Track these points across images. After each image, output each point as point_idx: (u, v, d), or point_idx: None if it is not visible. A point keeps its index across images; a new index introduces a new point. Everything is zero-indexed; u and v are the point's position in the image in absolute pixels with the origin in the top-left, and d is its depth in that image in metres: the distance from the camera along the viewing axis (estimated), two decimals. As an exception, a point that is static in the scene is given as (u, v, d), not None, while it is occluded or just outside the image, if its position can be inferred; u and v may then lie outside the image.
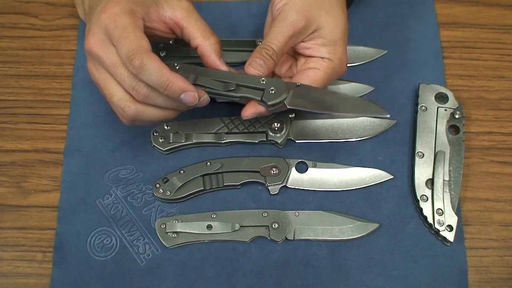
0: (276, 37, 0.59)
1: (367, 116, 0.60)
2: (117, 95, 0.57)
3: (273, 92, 0.59)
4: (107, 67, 0.56)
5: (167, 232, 0.64)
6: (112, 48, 0.55)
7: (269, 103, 0.59)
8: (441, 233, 0.64)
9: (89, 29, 0.57)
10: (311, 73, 0.61)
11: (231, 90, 0.59)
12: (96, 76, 0.58)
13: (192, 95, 0.56)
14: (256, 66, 0.59)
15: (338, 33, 0.61)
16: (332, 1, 0.61)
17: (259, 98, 0.59)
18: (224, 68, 0.60)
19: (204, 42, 0.59)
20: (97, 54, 0.56)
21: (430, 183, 0.66)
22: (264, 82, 0.59)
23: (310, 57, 0.62)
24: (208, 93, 0.59)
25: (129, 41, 0.54)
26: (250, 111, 0.60)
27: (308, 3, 0.59)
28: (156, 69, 0.54)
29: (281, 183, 0.66)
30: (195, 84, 0.59)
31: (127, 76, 0.55)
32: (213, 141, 0.67)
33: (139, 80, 0.55)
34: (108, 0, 0.56)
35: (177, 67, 0.60)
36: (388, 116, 0.59)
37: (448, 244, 0.64)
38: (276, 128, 0.66)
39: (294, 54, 0.65)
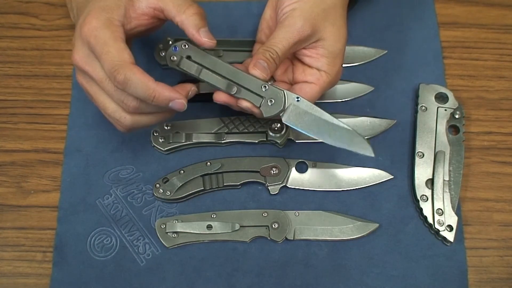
0: (281, 41, 0.59)
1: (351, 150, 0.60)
2: (111, 108, 0.57)
3: (271, 103, 0.59)
4: (95, 81, 0.57)
5: (167, 232, 0.64)
6: (97, 63, 0.56)
7: (265, 115, 0.59)
8: (441, 233, 0.64)
9: (74, 43, 0.57)
10: (308, 88, 0.61)
11: (233, 92, 0.59)
12: (87, 88, 0.58)
13: (180, 103, 0.56)
14: (261, 68, 0.59)
15: (339, 46, 0.61)
16: (336, 13, 0.61)
17: (258, 105, 0.59)
18: (206, 40, 0.58)
19: (181, 17, 0.57)
20: (84, 69, 0.57)
21: (430, 183, 0.66)
22: (265, 90, 0.59)
23: (308, 67, 0.62)
24: (210, 86, 0.60)
25: (111, 57, 0.54)
26: (246, 103, 0.60)
27: (315, 12, 0.59)
28: (140, 82, 0.54)
29: (281, 183, 0.66)
30: (198, 78, 0.59)
31: (114, 91, 0.56)
32: (213, 141, 0.67)
33: (127, 94, 0.55)
34: (87, 12, 0.56)
35: (185, 47, 0.59)
36: (373, 155, 0.59)
37: (448, 244, 0.64)
38: (276, 128, 0.66)
39: (292, 58, 0.65)
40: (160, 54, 0.69)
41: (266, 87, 0.59)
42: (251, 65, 0.59)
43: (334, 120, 0.59)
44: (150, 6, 0.58)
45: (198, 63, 0.60)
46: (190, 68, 0.59)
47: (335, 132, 0.59)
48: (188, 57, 0.60)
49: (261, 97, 0.59)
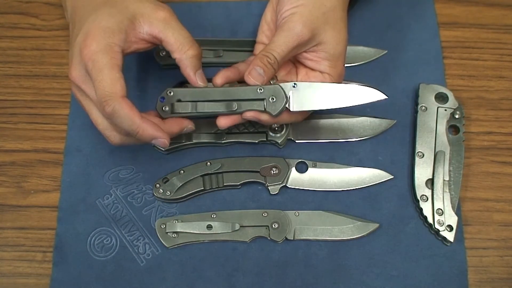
0: (280, 46, 0.59)
1: (366, 103, 0.61)
2: (102, 125, 0.58)
3: (273, 101, 0.59)
4: (90, 99, 0.57)
5: (167, 232, 0.64)
6: (93, 84, 0.56)
7: (274, 113, 0.59)
8: (441, 233, 0.64)
9: (71, 58, 0.57)
10: None
11: (234, 109, 0.59)
12: (81, 102, 0.59)
13: (162, 141, 0.57)
14: (255, 76, 0.59)
15: (340, 48, 0.61)
16: (336, 16, 0.61)
17: (262, 109, 0.59)
18: (200, 83, 0.60)
19: (181, 56, 0.59)
20: (81, 87, 0.57)
21: (430, 183, 0.66)
22: (261, 91, 0.59)
23: (311, 70, 0.63)
24: (211, 114, 0.60)
25: (103, 86, 0.54)
26: (251, 113, 0.60)
27: (315, 16, 0.59)
28: (126, 118, 0.55)
29: (281, 183, 0.66)
30: (196, 112, 0.59)
31: (105, 115, 0.57)
32: (213, 141, 0.67)
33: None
34: (88, 31, 0.56)
35: (171, 94, 0.59)
36: (386, 97, 0.60)
37: (448, 244, 0.64)
38: (276, 128, 0.66)
39: (295, 61, 0.65)
40: (160, 54, 0.69)
41: (261, 89, 0.59)
42: (246, 72, 0.59)
43: (335, 85, 0.60)
44: (150, 34, 0.58)
45: (190, 101, 0.60)
46: (185, 108, 0.59)
47: (341, 95, 0.60)
48: (179, 100, 0.60)
49: (261, 99, 0.59)
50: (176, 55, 0.59)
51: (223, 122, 0.60)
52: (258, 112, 0.59)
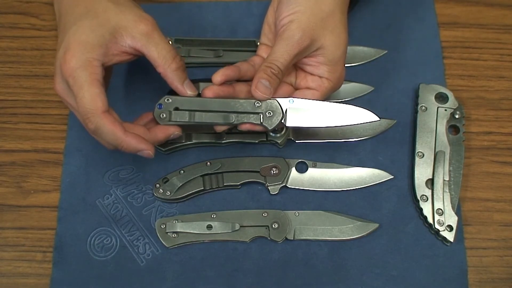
0: (282, 55, 0.59)
1: (359, 124, 0.62)
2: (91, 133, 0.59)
3: (270, 115, 0.60)
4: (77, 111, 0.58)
5: (167, 232, 0.64)
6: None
7: (270, 128, 0.60)
8: (441, 233, 0.64)
9: (55, 72, 0.58)
10: (310, 95, 0.62)
11: (232, 121, 0.60)
12: (68, 107, 0.60)
13: (146, 153, 0.58)
14: (262, 89, 0.59)
15: (340, 53, 0.61)
16: (335, 20, 0.61)
17: (259, 122, 0.60)
18: (190, 93, 0.60)
19: (165, 70, 0.59)
20: (66, 101, 0.58)
21: (430, 183, 0.66)
22: (259, 105, 0.60)
23: (310, 74, 0.63)
24: (207, 125, 0.61)
25: (84, 104, 0.55)
26: (247, 126, 0.61)
27: (313, 22, 0.59)
28: (109, 133, 0.56)
29: (281, 183, 0.66)
30: (194, 122, 0.60)
31: (89, 132, 0.58)
32: (213, 141, 0.67)
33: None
34: (68, 46, 0.56)
35: (169, 101, 0.60)
36: (378, 119, 0.62)
37: (448, 244, 0.64)
38: (276, 128, 0.66)
39: (294, 65, 0.65)
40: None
41: (259, 103, 0.60)
42: (252, 87, 0.60)
43: (330, 104, 0.61)
44: (133, 47, 0.58)
45: (188, 110, 0.60)
46: (183, 117, 0.60)
47: (336, 115, 0.61)
48: (176, 108, 0.60)
49: (258, 113, 0.60)
50: (160, 69, 0.59)
51: (220, 128, 0.62)
52: (254, 124, 0.61)
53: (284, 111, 0.60)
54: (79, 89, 0.55)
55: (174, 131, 0.61)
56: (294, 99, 0.61)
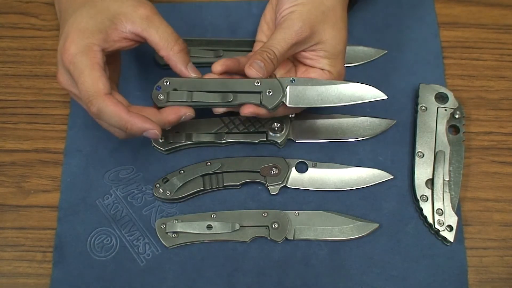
0: (280, 42, 0.59)
1: (365, 102, 0.60)
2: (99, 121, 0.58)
3: (270, 94, 0.59)
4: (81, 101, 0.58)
5: (167, 232, 0.64)
6: None
7: (270, 106, 0.59)
8: (441, 233, 0.64)
9: (58, 65, 0.58)
10: None
11: (230, 101, 0.59)
12: (77, 102, 0.60)
13: (153, 133, 0.56)
14: (256, 67, 0.58)
15: (340, 47, 0.61)
16: (336, 15, 0.60)
17: (259, 102, 0.59)
18: (193, 75, 0.60)
19: (168, 53, 0.59)
20: (70, 91, 0.58)
21: (430, 183, 0.66)
22: (259, 84, 0.59)
23: (310, 67, 0.62)
24: (207, 106, 0.59)
25: (86, 88, 0.55)
26: (249, 109, 0.60)
27: (314, 15, 0.59)
28: (113, 114, 0.55)
29: (281, 183, 0.66)
30: (192, 104, 0.59)
31: (92, 116, 0.57)
32: (213, 141, 0.67)
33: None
34: (67, 35, 0.56)
35: (167, 83, 0.59)
36: (386, 97, 0.59)
37: (448, 244, 0.64)
38: (276, 128, 0.66)
39: (294, 60, 0.65)
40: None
41: (258, 82, 0.59)
42: (247, 65, 0.59)
43: (333, 83, 0.59)
44: (134, 33, 0.58)
45: (186, 90, 0.59)
46: (181, 97, 0.59)
47: (339, 93, 0.59)
48: (175, 89, 0.59)
49: (258, 92, 0.59)
50: (162, 52, 0.59)
51: (219, 110, 0.60)
52: (255, 106, 0.59)
53: (284, 90, 0.59)
54: (80, 74, 0.55)
55: (186, 112, 0.59)
56: (295, 78, 0.59)
